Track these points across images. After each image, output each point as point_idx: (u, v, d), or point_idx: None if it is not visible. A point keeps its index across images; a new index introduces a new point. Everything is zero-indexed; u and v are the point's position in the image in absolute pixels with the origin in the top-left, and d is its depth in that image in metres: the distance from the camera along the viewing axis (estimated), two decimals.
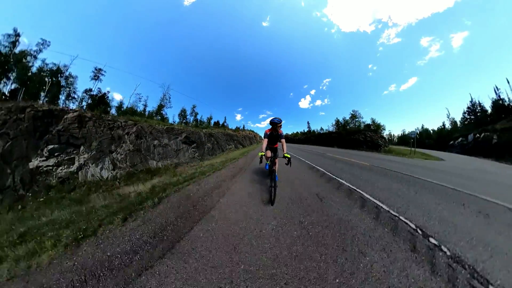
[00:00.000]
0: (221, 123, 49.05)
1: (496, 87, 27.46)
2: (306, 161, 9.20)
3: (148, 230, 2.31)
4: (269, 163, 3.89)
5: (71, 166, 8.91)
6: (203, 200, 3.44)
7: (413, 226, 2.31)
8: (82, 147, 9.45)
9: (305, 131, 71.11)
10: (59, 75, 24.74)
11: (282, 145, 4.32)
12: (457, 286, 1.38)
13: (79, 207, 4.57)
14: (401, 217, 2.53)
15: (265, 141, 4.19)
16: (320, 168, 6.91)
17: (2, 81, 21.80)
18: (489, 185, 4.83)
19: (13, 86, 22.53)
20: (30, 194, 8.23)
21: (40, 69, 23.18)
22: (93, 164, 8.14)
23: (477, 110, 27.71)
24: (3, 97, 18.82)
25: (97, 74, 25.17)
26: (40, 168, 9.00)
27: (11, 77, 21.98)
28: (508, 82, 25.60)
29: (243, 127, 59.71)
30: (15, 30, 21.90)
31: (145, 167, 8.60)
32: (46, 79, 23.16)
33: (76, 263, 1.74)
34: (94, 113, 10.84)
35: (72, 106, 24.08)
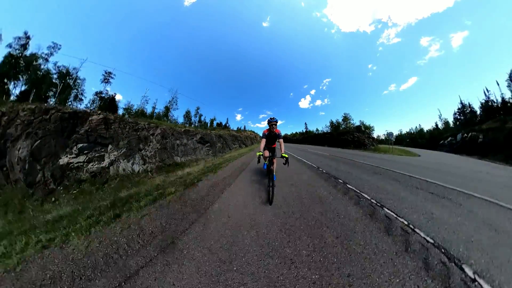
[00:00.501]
0: (223, 124, 50.17)
1: (486, 89, 29.03)
2: (296, 156, 11.70)
3: (203, 192, 3.83)
4: (267, 163, 3.93)
5: (102, 162, 9.94)
6: (228, 179, 4.86)
7: (367, 197, 3.54)
8: (110, 146, 10.49)
9: (303, 131, 73.53)
10: (67, 77, 25.59)
11: (280, 145, 4.33)
12: (392, 228, 2.39)
13: (134, 189, 5.61)
14: (362, 194, 3.71)
15: (263, 141, 4.21)
16: (306, 161, 8.87)
17: (13, 83, 22.25)
18: (435, 172, 6.29)
19: (23, 88, 22.82)
20: (61, 188, 9.23)
21: (47, 72, 23.69)
22: (125, 160, 9.19)
23: (466, 112, 29.22)
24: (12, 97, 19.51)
25: (107, 77, 26.16)
26: (71, 165, 10.02)
27: (22, 79, 22.47)
28: (498, 84, 27.13)
29: (244, 127, 61.32)
30: (25, 33, 22.34)
31: (171, 162, 9.76)
32: (57, 81, 23.86)
33: (175, 206, 3.04)
34: (117, 116, 11.86)
35: (80, 106, 24.77)
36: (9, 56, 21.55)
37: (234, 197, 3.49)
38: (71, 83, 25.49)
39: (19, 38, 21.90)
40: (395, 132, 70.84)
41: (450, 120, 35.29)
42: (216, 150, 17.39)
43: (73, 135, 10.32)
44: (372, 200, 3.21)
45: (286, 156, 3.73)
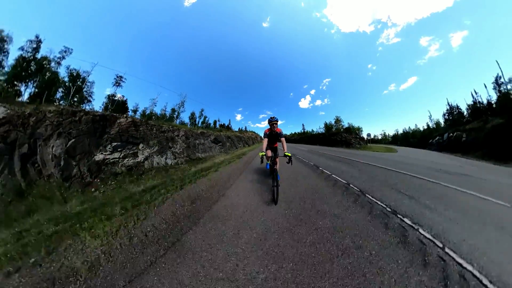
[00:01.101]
0: (225, 125, 52.25)
1: (475, 91, 31.00)
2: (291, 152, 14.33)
3: (225, 175, 5.99)
4: (270, 162, 3.88)
5: (137, 158, 11.89)
6: (242, 167, 7.25)
7: (328, 172, 5.90)
8: (141, 144, 12.42)
9: (301, 131, 77.00)
10: (77, 80, 25.87)
11: (282, 144, 4.27)
12: (333, 181, 4.95)
13: (166, 178, 7.52)
14: (324, 171, 6.03)
15: (265, 141, 4.16)
16: (298, 156, 11.15)
17: (24, 85, 22.54)
18: (387, 161, 8.80)
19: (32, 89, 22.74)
20: (98, 181, 11.09)
21: (54, 73, 23.38)
22: (158, 156, 11.20)
23: (454, 113, 31.19)
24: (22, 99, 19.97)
25: (118, 81, 28.05)
26: (107, 160, 11.94)
27: (32, 81, 22.75)
28: (486, 87, 29.06)
29: (245, 128, 63.48)
30: (37, 37, 22.41)
31: (195, 157, 11.83)
32: (69, 84, 24.37)
33: (203, 187, 5.06)
34: (142, 120, 13.81)
35: (87, 108, 25.86)
36: (20, 59, 21.21)
37: (249, 175, 5.71)
38: (82, 86, 25.82)
39: (31, 41, 21.95)
40: (392, 132, 73.69)
41: (442, 120, 37.40)
42: (226, 148, 19.96)
43: (105, 135, 12.18)
44: (329, 173, 5.61)
45: (289, 155, 3.72)
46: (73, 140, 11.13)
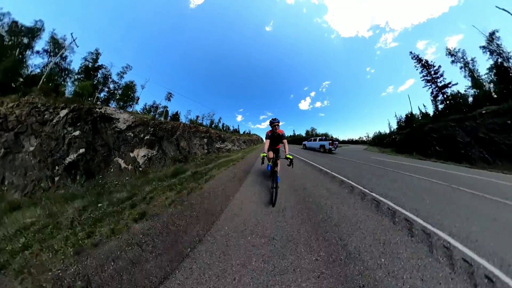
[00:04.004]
0: (233, 128, 62.80)
1: (423, 105, 41.15)
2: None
3: (249, 161, 15.65)
4: (271, 164, 3.73)
5: (228, 145, 22.24)
6: (253, 157, 16.76)
7: (300, 157, 15.62)
8: (226, 142, 22.79)
9: (292, 135, 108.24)
10: (132, 90, 29.99)
11: (284, 146, 3.99)
12: (302, 160, 14.56)
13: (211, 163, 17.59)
14: (299, 156, 15.72)
15: (266, 142, 3.94)
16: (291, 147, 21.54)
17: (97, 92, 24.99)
18: (321, 156, 18.44)
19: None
20: (219, 153, 21.74)
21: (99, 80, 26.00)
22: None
23: (402, 120, 41.40)
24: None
25: (168, 96, 37.72)
26: (219, 147, 22.42)
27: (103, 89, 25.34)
28: (409, 98, 38.84)
29: (249, 132, 74.37)
30: (96, 50, 25.43)
31: (219, 151, 22.10)
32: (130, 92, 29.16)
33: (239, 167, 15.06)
34: (209, 128, 23.95)
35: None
36: (84, 67, 23.27)
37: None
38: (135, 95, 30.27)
39: (92, 53, 24.77)
40: (376, 133, 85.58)
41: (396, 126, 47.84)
42: (240, 146, 29.74)
43: (197, 136, 22.10)
44: (298, 155, 15.32)
45: (291, 157, 3.53)
46: (206, 139, 21.59)
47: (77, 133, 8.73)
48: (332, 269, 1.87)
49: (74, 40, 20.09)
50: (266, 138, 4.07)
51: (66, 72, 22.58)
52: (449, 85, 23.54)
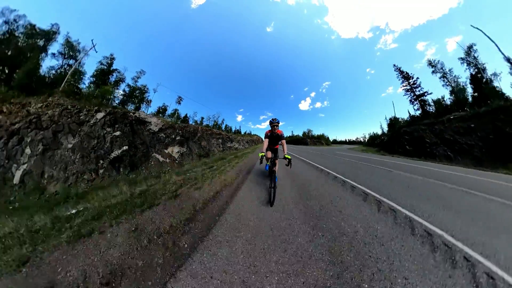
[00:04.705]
0: (235, 128, 65.41)
1: (413, 109, 43.71)
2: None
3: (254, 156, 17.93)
4: (269, 164, 3.78)
5: (235, 144, 24.62)
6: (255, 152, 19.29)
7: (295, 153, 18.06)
8: (233, 142, 25.18)
9: (291, 135, 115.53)
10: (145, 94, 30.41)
11: (283, 146, 4.05)
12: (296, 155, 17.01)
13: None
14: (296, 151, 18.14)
15: (265, 142, 3.98)
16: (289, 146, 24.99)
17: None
18: (314, 154, 21.12)
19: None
20: (228, 150, 24.22)
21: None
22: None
23: (394, 122, 44.05)
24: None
25: (179, 101, 39.94)
26: (230, 146, 24.91)
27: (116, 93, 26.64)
28: (393, 104, 41.32)
29: (250, 132, 77.14)
30: (111, 55, 26.01)
31: (229, 149, 24.44)
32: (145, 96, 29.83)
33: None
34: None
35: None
36: (100, 70, 23.81)
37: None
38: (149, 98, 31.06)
39: (107, 57, 25.33)
40: (371, 134, 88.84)
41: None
42: (244, 146, 32.21)
43: (214, 137, 24.40)
44: (295, 153, 17.80)
45: (289, 157, 3.52)
46: (220, 140, 23.90)
47: (117, 133, 10.90)
48: (304, 201, 4.13)
49: (94, 46, 21.97)
50: (265, 138, 4.11)
51: (79, 74, 22.66)
52: (425, 94, 26.27)
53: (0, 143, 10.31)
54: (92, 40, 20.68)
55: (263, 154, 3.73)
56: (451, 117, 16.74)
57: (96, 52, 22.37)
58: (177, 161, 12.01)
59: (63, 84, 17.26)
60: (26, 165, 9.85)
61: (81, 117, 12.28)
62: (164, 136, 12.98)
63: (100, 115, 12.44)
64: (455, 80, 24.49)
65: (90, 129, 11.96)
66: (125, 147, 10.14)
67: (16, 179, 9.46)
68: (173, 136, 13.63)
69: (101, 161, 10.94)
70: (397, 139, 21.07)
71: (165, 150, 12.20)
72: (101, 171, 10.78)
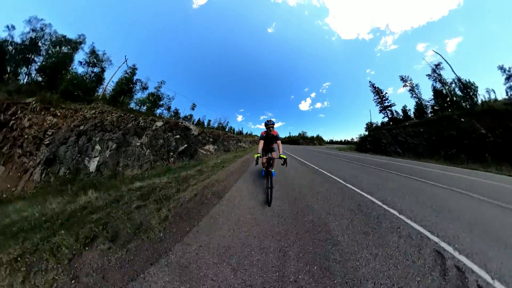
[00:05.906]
0: (237, 129, 70.80)
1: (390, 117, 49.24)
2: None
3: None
4: (265, 167, 3.72)
5: (240, 143, 30.00)
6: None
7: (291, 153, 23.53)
8: (239, 141, 30.55)
9: (288, 136, 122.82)
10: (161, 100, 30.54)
11: (278, 146, 4.07)
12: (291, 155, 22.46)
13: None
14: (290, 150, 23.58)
15: (261, 143, 3.96)
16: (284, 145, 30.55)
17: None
18: (298, 150, 26.77)
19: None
20: (236, 148, 29.28)
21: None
22: (232, 145, 28.91)
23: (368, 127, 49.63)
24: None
25: (193, 107, 44.70)
26: (238, 144, 30.48)
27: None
28: (370, 112, 46.72)
29: (251, 133, 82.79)
30: (134, 65, 25.57)
31: (234, 148, 29.83)
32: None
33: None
34: (224, 133, 31.72)
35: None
36: (125, 79, 23.59)
37: None
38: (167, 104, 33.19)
39: (129, 67, 24.83)
40: (361, 135, 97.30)
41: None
42: (248, 145, 37.81)
43: (230, 139, 29.76)
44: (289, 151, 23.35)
45: (285, 157, 3.58)
46: (235, 141, 29.49)
47: (177, 136, 16.29)
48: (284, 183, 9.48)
49: (126, 61, 26.08)
50: (260, 139, 4.07)
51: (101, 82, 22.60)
52: (391, 106, 32.45)
53: (72, 141, 15.09)
54: (125, 56, 22.63)
55: (259, 155, 3.72)
56: (407, 124, 22.12)
57: (128, 66, 23.75)
58: (213, 154, 17.41)
59: (102, 93, 20.41)
60: (98, 157, 12.05)
61: (141, 124, 17.55)
62: (201, 138, 18.42)
63: (159, 123, 17.72)
64: (419, 93, 29.95)
65: (153, 133, 17.25)
66: (185, 145, 15.57)
67: (92, 168, 11.42)
68: (207, 138, 19.13)
69: (171, 153, 16.23)
70: (364, 140, 26.72)
71: (204, 147, 17.63)
72: (171, 159, 16.09)
